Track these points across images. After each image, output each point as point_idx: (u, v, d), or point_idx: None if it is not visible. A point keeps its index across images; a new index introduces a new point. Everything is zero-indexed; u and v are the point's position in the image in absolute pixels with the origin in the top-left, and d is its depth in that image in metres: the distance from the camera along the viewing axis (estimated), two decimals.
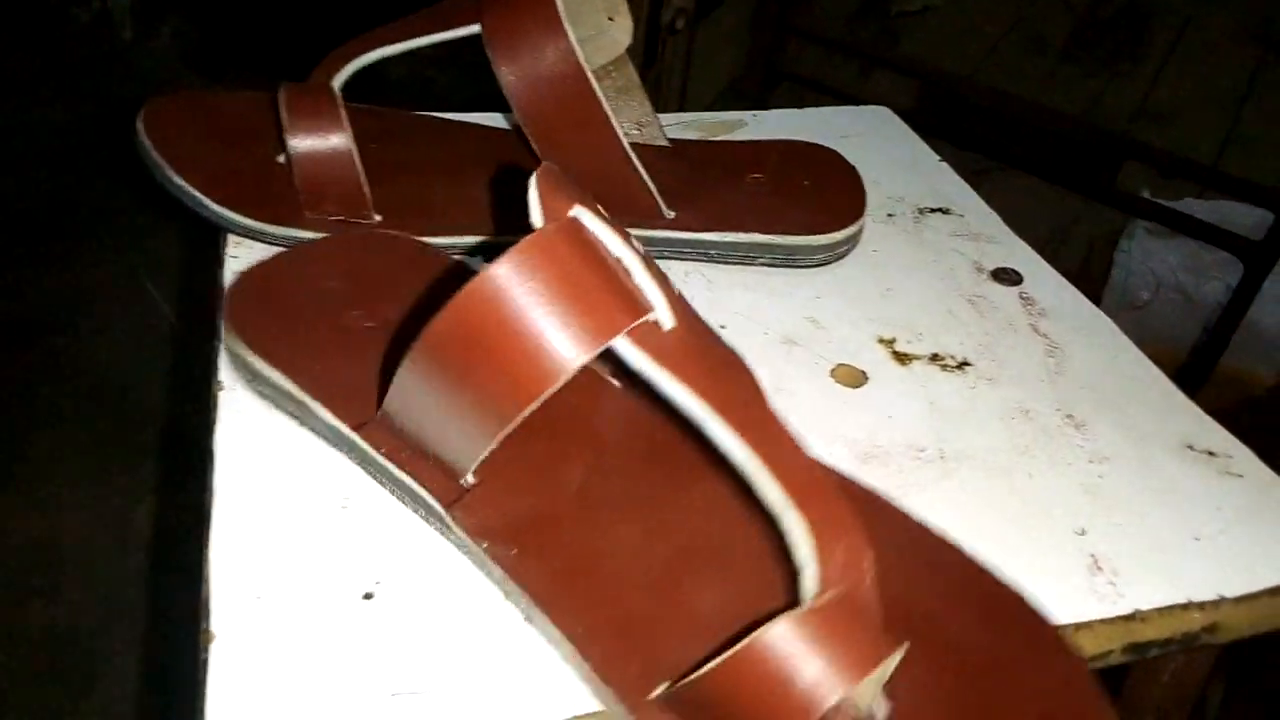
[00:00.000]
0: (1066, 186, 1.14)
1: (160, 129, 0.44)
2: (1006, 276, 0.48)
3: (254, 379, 0.37)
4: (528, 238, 0.26)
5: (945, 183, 0.56)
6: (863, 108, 0.62)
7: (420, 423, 0.31)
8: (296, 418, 0.36)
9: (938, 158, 0.58)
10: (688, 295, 0.42)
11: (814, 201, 0.48)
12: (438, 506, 0.32)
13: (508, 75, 0.42)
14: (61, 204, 1.17)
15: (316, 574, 0.31)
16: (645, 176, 0.44)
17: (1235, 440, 0.41)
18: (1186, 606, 0.34)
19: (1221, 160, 1.75)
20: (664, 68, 0.90)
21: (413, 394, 0.30)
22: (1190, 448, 0.40)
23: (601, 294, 0.26)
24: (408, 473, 0.32)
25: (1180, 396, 0.43)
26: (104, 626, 0.96)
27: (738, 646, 0.24)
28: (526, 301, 0.26)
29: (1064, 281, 0.49)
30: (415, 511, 0.34)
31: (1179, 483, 0.39)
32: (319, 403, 0.34)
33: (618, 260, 0.27)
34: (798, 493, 0.26)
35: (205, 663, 0.29)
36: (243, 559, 0.32)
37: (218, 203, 0.43)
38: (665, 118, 0.57)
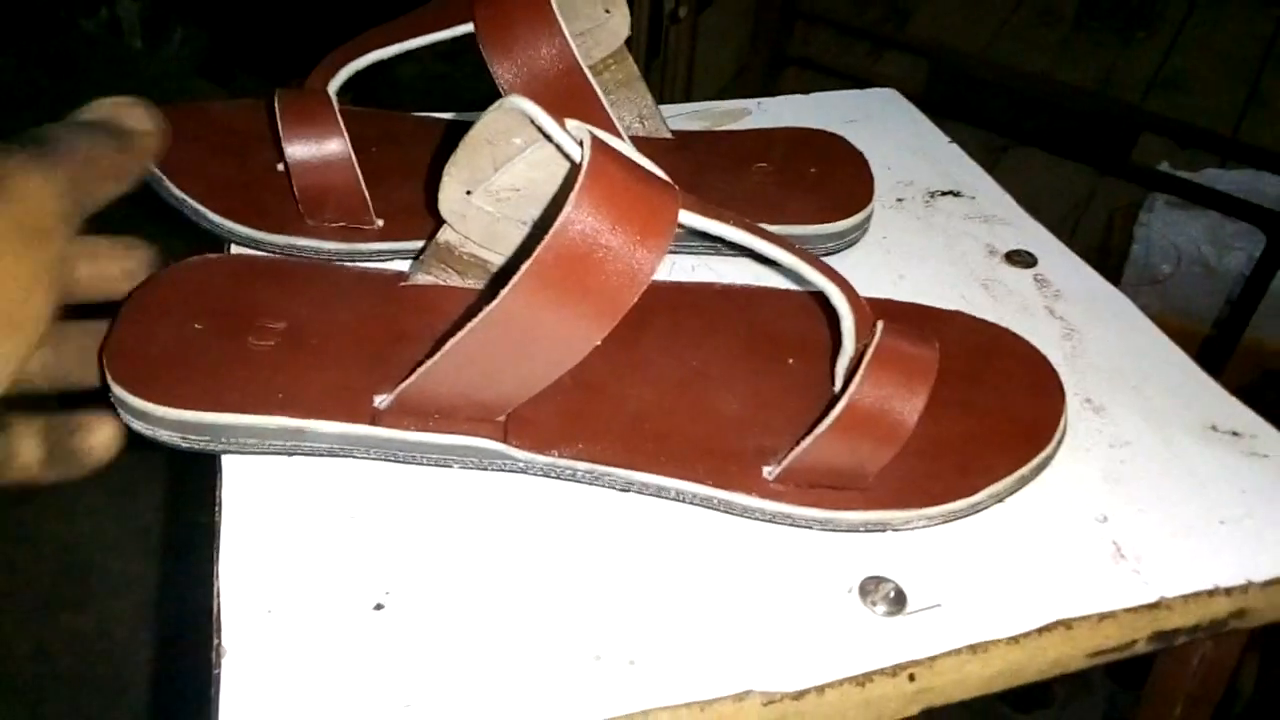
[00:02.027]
0: (1082, 161, 1.12)
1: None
2: (1020, 259, 0.48)
3: (201, 431, 0.34)
4: (587, 172, 0.28)
5: (956, 165, 0.55)
6: (870, 90, 0.62)
7: (471, 380, 0.32)
8: (284, 452, 0.35)
9: (947, 139, 0.57)
10: None
11: (821, 189, 0.48)
12: (497, 445, 0.34)
13: (502, 73, 0.41)
14: None
15: (326, 585, 0.31)
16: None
17: (1260, 420, 0.40)
18: (1213, 592, 0.33)
19: (1240, 128, 1.72)
20: (668, 57, 0.89)
21: (475, 354, 0.31)
22: (1214, 429, 0.39)
23: (651, 190, 0.30)
24: (453, 434, 0.34)
25: (1202, 376, 0.42)
26: (133, 635, 0.97)
27: (838, 409, 0.32)
28: (610, 226, 0.28)
29: (1079, 262, 0.48)
30: (464, 466, 0.35)
31: (1202, 465, 0.38)
32: (312, 419, 0.34)
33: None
34: (825, 272, 0.34)
35: (218, 677, 0.28)
36: (252, 573, 0.31)
37: (219, 214, 0.43)
38: (670, 108, 0.56)
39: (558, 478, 0.35)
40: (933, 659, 0.30)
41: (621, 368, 0.37)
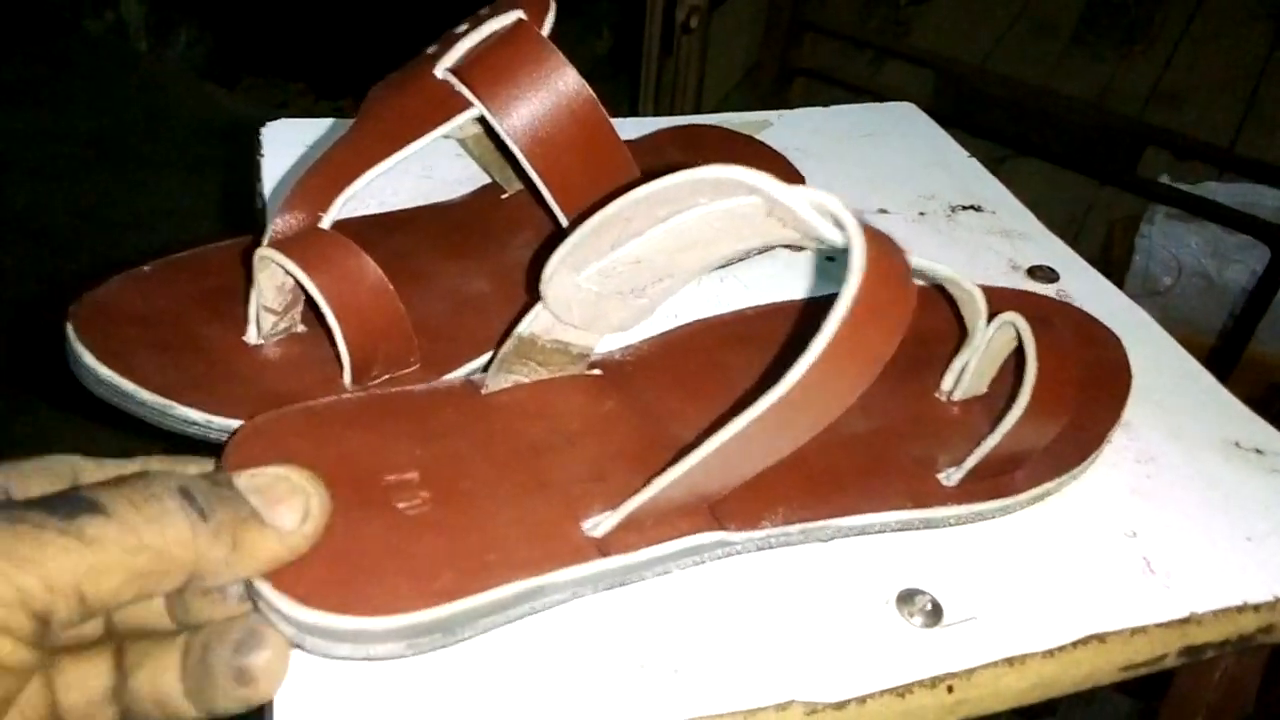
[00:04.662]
0: (1085, 173, 1.13)
1: (97, 333, 0.34)
2: (1042, 274, 0.48)
3: (433, 630, 0.28)
4: (870, 236, 0.26)
5: (975, 179, 0.56)
6: (888, 104, 0.62)
7: (721, 473, 0.30)
8: (521, 617, 0.30)
9: (966, 154, 0.58)
10: (731, 301, 0.43)
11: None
12: (718, 535, 0.32)
13: (522, 134, 0.36)
14: (80, 214, 1.17)
15: None
16: None
17: None
18: (1242, 608, 0.34)
19: (1238, 140, 1.74)
20: (679, 67, 0.90)
21: (744, 445, 0.28)
22: (1237, 445, 0.40)
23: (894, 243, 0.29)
24: (676, 539, 0.31)
25: (1224, 392, 0.43)
26: None
27: (1023, 401, 0.33)
28: (887, 289, 0.27)
29: (1100, 278, 0.49)
30: (682, 568, 0.32)
31: (1227, 481, 0.38)
32: (544, 571, 0.29)
33: None
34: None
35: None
36: None
37: (225, 415, 0.33)
38: (689, 119, 0.57)
39: (771, 548, 0.33)
40: (970, 671, 0.31)
41: None
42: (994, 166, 0.58)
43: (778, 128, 0.58)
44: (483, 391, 0.34)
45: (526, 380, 0.35)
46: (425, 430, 0.32)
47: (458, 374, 0.37)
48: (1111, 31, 2.04)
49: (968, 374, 0.38)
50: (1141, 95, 1.89)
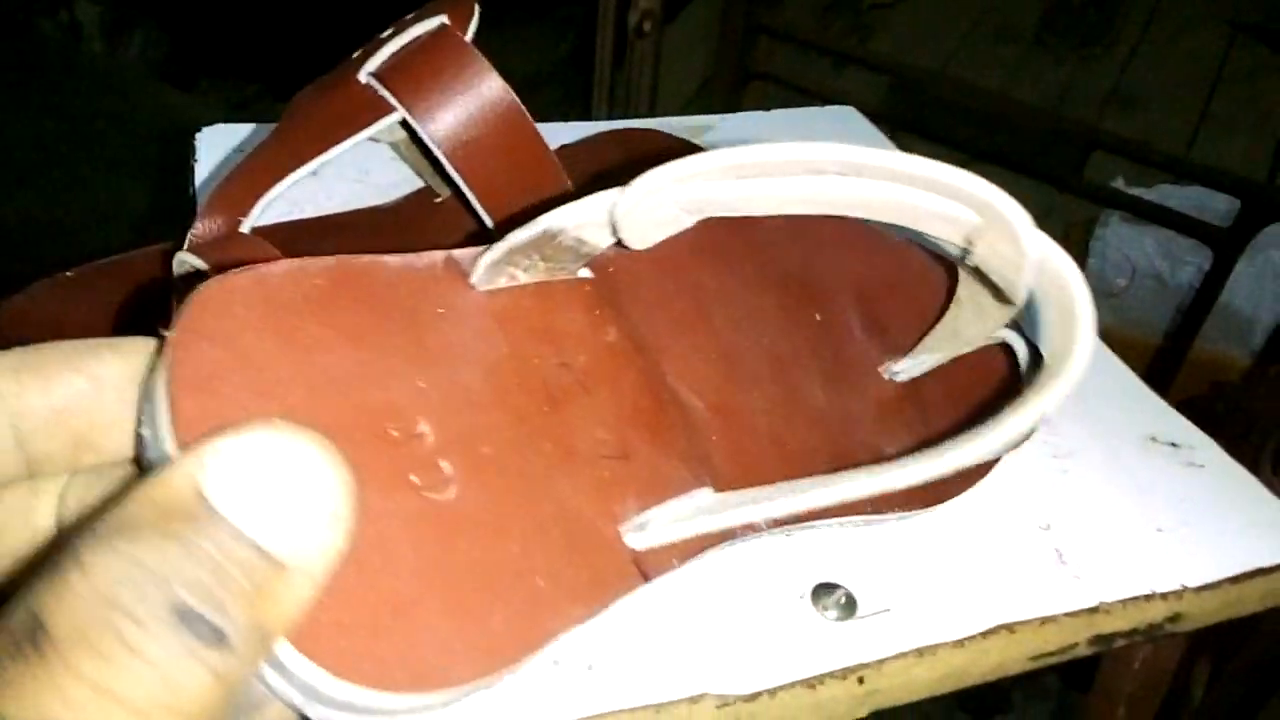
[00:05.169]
0: (1036, 178, 1.15)
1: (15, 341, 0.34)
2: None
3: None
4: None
5: None
6: (829, 108, 0.63)
7: None
8: None
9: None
10: None
11: None
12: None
13: (445, 139, 0.36)
14: (31, 218, 1.17)
15: None
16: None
17: (1198, 431, 0.42)
18: (1150, 597, 0.35)
19: (1194, 143, 1.77)
20: (631, 72, 0.90)
21: None
22: (1154, 439, 0.41)
23: None
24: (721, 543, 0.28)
25: (1144, 389, 0.44)
26: None
27: None
28: None
29: None
30: None
31: (1142, 475, 0.39)
32: (591, 603, 0.25)
33: None
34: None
35: None
36: None
37: None
38: (633, 123, 0.57)
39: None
40: (881, 662, 0.32)
41: (732, 378, 0.32)
42: None
43: (719, 131, 0.59)
44: (473, 284, 0.27)
45: (523, 278, 0.28)
46: (422, 345, 0.25)
47: None
48: (1070, 35, 2.07)
49: (934, 358, 0.36)
50: (1100, 98, 1.92)
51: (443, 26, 0.36)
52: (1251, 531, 0.37)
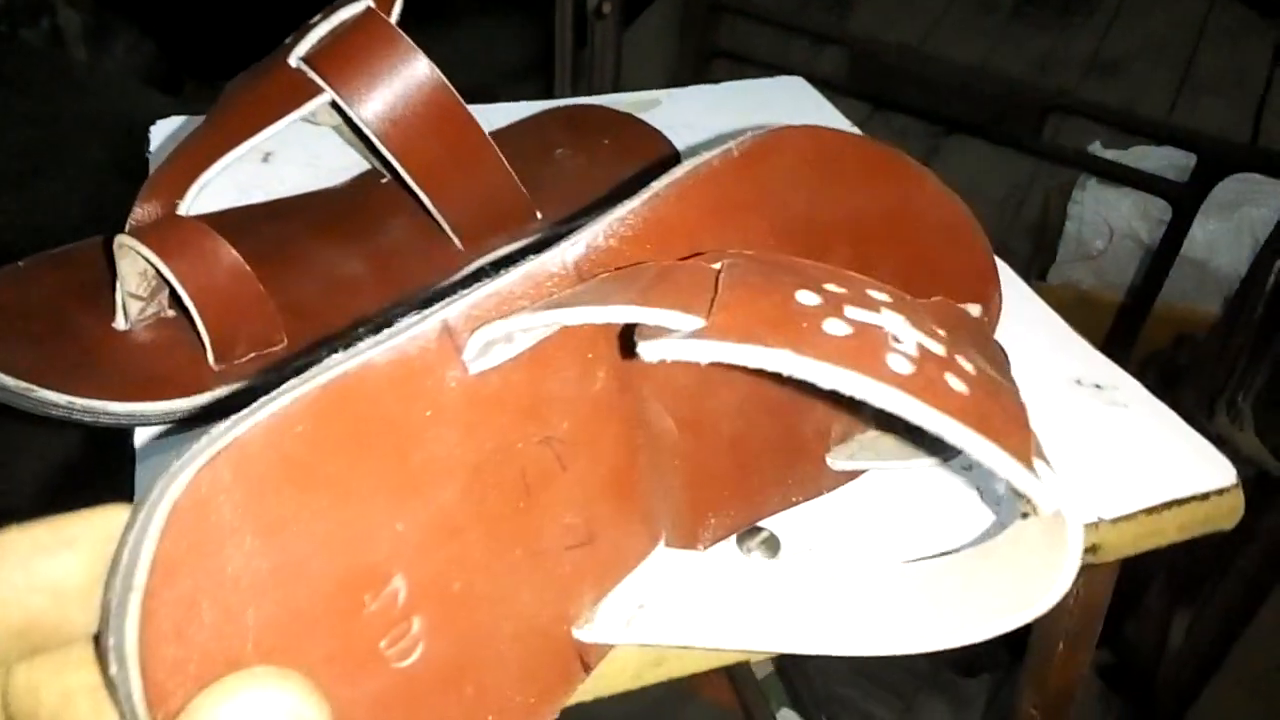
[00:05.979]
0: (1001, 143, 1.16)
1: None
2: None
3: None
4: None
5: None
6: (777, 79, 0.64)
7: None
8: None
9: (849, 124, 0.60)
10: None
11: (624, 163, 0.49)
12: None
13: (375, 119, 0.37)
14: (17, 226, 1.18)
15: None
16: (520, 185, 0.42)
17: (1122, 373, 0.43)
18: None
19: (1176, 106, 1.77)
20: (594, 51, 0.91)
21: None
22: (1079, 382, 0.42)
23: None
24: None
25: (1073, 335, 0.45)
26: None
27: None
28: None
29: None
30: None
31: (1066, 414, 0.41)
32: None
33: None
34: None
35: None
36: None
37: (87, 397, 0.34)
38: (582, 100, 0.58)
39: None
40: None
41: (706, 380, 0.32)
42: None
43: (666, 105, 0.60)
44: (466, 361, 0.25)
45: (520, 338, 0.26)
46: (405, 467, 0.23)
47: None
48: (1051, 3, 2.07)
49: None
50: (1083, 65, 1.93)
51: (368, 9, 0.38)
52: (1170, 466, 0.39)
